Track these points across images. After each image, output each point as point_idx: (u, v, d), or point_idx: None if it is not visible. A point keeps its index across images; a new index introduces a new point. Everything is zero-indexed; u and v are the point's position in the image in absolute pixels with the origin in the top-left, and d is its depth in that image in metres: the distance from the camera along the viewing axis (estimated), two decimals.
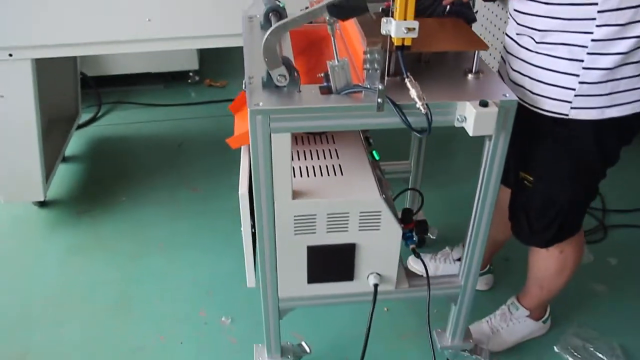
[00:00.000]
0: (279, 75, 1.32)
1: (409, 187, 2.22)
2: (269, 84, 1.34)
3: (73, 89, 3.05)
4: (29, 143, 2.33)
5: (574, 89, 1.34)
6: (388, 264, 1.57)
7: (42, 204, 2.68)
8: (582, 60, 1.30)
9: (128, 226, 2.50)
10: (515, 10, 1.44)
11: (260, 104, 1.29)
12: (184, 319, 2.07)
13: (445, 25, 1.55)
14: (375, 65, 1.30)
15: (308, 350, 1.84)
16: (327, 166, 1.56)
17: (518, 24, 1.43)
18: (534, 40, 1.39)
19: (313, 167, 1.55)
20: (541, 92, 1.40)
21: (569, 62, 1.32)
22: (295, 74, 1.34)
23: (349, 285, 1.59)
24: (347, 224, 1.47)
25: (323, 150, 1.62)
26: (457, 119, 1.33)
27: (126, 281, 2.25)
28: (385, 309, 2.11)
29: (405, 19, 1.21)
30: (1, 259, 2.40)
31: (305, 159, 1.58)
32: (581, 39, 1.29)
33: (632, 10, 1.23)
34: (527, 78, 1.42)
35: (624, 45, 1.27)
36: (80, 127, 3.26)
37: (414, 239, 1.64)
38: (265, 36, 1.25)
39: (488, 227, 1.53)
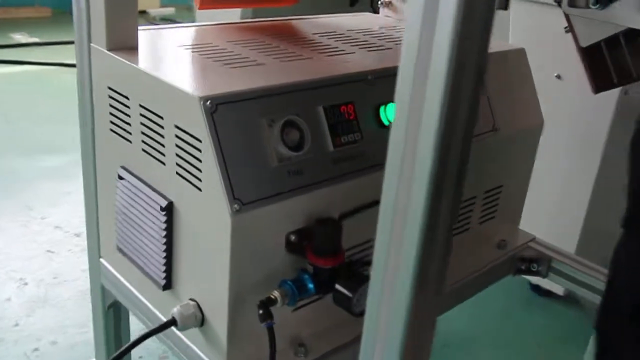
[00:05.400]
0: None
1: None
2: None
3: None
4: None
5: None
6: (214, 293, 0.78)
7: None
8: None
9: None
10: None
11: None
12: None
13: None
14: None
15: None
16: (243, 57, 0.88)
17: None
18: None
19: (238, 55, 0.91)
20: None
21: None
22: None
23: (159, 297, 0.87)
24: (163, 146, 0.80)
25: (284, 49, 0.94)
26: None
27: None
28: None
29: None
30: None
31: (253, 49, 0.94)
32: None
33: None
34: None
35: None
36: None
37: (308, 287, 0.78)
38: None
39: None
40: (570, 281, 1.09)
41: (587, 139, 1.40)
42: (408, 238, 0.52)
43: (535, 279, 1.68)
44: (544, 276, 1.12)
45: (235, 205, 0.72)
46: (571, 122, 1.42)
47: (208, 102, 0.72)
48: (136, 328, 1.01)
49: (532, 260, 1.14)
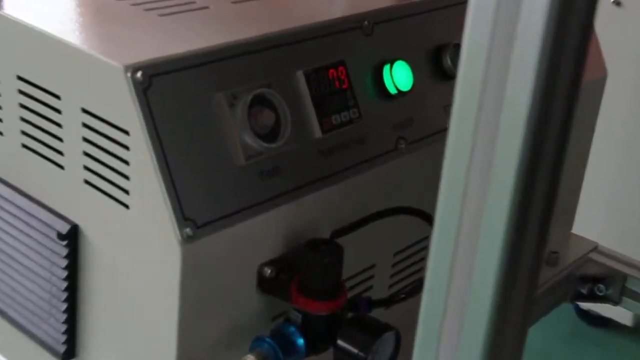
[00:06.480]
0: None
1: None
2: None
3: None
4: None
5: None
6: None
7: None
8: None
9: None
10: None
11: None
12: None
13: None
14: None
15: None
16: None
17: None
18: None
19: None
20: None
21: None
22: None
23: None
24: (61, 140, 0.84)
25: None
26: None
27: None
28: None
29: None
30: None
31: None
32: None
33: None
34: None
35: None
36: None
37: (297, 345, 0.82)
38: None
39: None
40: None
41: None
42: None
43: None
44: (616, 303, 1.18)
45: (187, 230, 0.73)
46: (635, 68, 1.48)
47: (138, 74, 0.73)
48: None
49: (597, 279, 1.19)
